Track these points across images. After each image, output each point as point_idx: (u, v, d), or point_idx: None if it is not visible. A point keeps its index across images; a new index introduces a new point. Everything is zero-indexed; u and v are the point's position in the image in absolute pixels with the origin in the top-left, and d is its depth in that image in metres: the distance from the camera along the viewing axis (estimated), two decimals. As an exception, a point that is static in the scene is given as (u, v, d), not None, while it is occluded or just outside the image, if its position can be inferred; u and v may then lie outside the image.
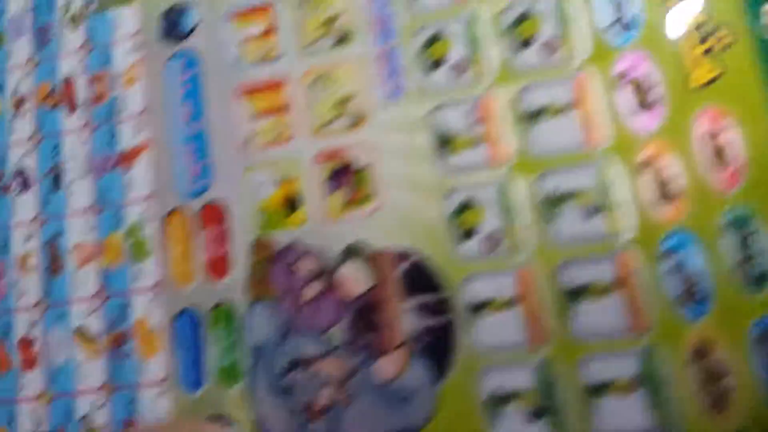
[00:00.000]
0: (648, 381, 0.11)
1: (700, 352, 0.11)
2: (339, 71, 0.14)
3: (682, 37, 0.12)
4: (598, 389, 0.11)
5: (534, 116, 0.12)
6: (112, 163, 0.15)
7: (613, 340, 0.11)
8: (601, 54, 0.12)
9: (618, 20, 0.12)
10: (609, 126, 0.12)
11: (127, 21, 0.15)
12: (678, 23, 0.12)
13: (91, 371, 0.14)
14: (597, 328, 0.11)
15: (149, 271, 0.14)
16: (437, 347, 0.12)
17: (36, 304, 0.15)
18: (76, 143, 0.15)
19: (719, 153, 0.11)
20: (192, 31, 0.15)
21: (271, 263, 0.13)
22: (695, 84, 0.12)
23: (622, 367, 0.11)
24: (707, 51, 0.12)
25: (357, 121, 0.13)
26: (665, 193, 0.12)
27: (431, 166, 0.13)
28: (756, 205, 0.11)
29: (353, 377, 0.12)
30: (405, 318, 0.12)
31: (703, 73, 0.12)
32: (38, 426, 0.14)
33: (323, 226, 0.13)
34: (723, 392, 0.11)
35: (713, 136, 0.12)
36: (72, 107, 0.15)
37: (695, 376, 0.11)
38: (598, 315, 0.11)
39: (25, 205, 0.15)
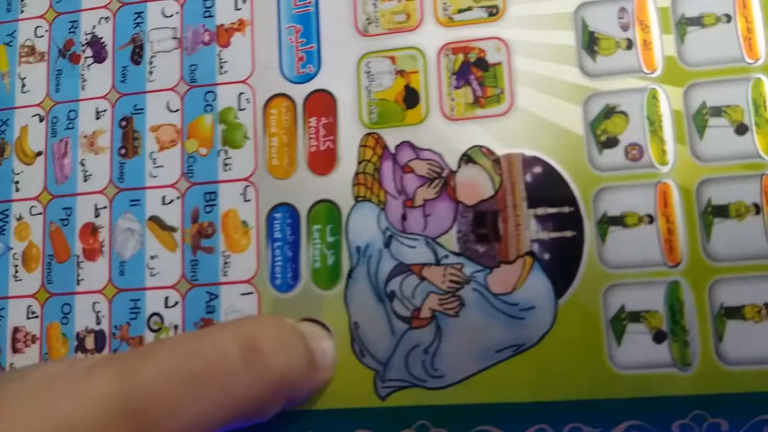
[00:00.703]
0: None
1: None
2: None
3: None
4: (730, 313, 0.18)
5: (691, 23, 0.19)
6: (206, 38, 0.21)
7: (751, 263, 0.18)
8: None
9: None
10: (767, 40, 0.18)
11: None
12: None
13: (165, 265, 0.21)
14: (736, 251, 0.18)
15: (244, 160, 0.21)
16: (562, 261, 0.19)
17: (104, 188, 0.22)
18: (162, 13, 0.22)
19: None
20: None
21: (382, 161, 0.20)
22: None
23: (758, 291, 0.18)
24: None
25: (494, 13, 0.20)
26: None
27: (574, 68, 0.19)
28: None
29: (465, 286, 0.19)
30: (528, 228, 0.19)
31: None
32: (97, 323, 0.21)
33: (445, 125, 0.20)
34: None
35: None
36: None
37: None
38: (738, 237, 0.18)
39: (98, 79, 0.22)
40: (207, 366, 0.17)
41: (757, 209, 0.19)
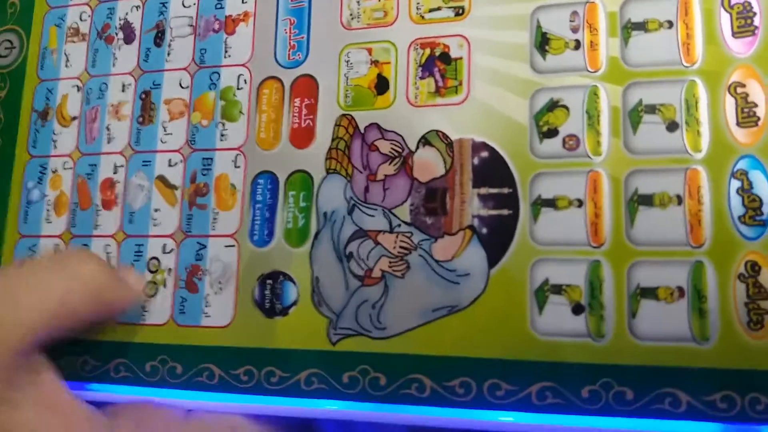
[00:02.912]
0: (693, 292, 0.19)
1: (750, 272, 0.19)
2: None
3: None
4: (645, 293, 0.19)
5: (636, 27, 0.21)
6: (216, 27, 0.25)
7: (668, 249, 0.19)
8: None
9: None
10: (704, 46, 0.20)
11: None
12: None
13: (166, 218, 0.25)
14: (655, 237, 0.20)
15: (237, 132, 0.25)
16: (497, 235, 0.21)
17: (123, 150, 0.26)
18: (183, 4, 0.26)
19: None
20: None
21: (352, 140, 0.23)
22: None
23: (670, 276, 0.19)
24: None
25: (459, 13, 0.22)
26: (746, 117, 0.19)
27: (525, 65, 0.22)
28: None
29: (412, 252, 0.21)
30: (471, 205, 0.21)
31: None
32: (108, 262, 0.25)
33: (408, 110, 0.23)
34: (764, 312, 0.19)
35: None
36: None
37: (740, 293, 0.19)
38: (658, 224, 0.20)
39: (126, 57, 0.27)
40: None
41: (679, 200, 0.21)
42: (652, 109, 0.22)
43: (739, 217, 0.21)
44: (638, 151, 0.21)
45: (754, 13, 0.21)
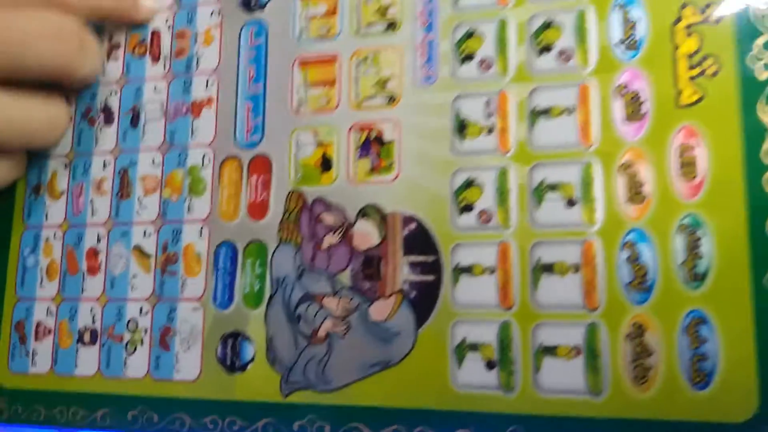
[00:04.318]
0: (588, 350, 0.22)
1: (636, 332, 0.22)
2: (383, 54, 0.26)
3: (675, 62, 0.22)
4: (547, 351, 0.22)
5: (540, 114, 0.24)
6: (183, 110, 0.29)
7: (567, 312, 0.22)
8: (607, 66, 0.23)
9: (626, 39, 0.23)
10: (601, 130, 0.23)
11: (212, -11, 0.29)
12: (673, 50, 0.23)
13: (142, 283, 0.28)
14: (556, 301, 0.23)
15: (202, 205, 0.28)
16: (423, 298, 0.24)
17: (105, 222, 0.29)
18: (155, 89, 0.29)
19: (688, 166, 0.22)
20: (266, 3, 0.28)
21: (301, 212, 0.26)
22: (679, 103, 0.22)
23: (569, 336, 0.22)
24: (694, 77, 0.22)
25: (392, 100, 0.26)
26: (635, 194, 0.22)
27: (446, 146, 0.25)
28: (708, 216, 0.22)
29: (352, 314, 0.24)
30: (402, 271, 0.24)
31: (687, 95, 0.22)
32: (93, 322, 0.29)
33: (348, 186, 0.26)
34: (648, 368, 0.21)
35: (686, 150, 0.22)
36: (156, 58, 0.30)
37: (628, 351, 0.22)
38: (558, 290, 0.23)
39: (106, 137, 0.30)
40: None
41: (576, 268, 0.24)
42: (553, 187, 0.25)
43: (628, 284, 0.24)
44: (541, 224, 0.25)
45: (643, 101, 0.24)
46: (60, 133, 0.31)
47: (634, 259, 0.24)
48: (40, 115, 0.30)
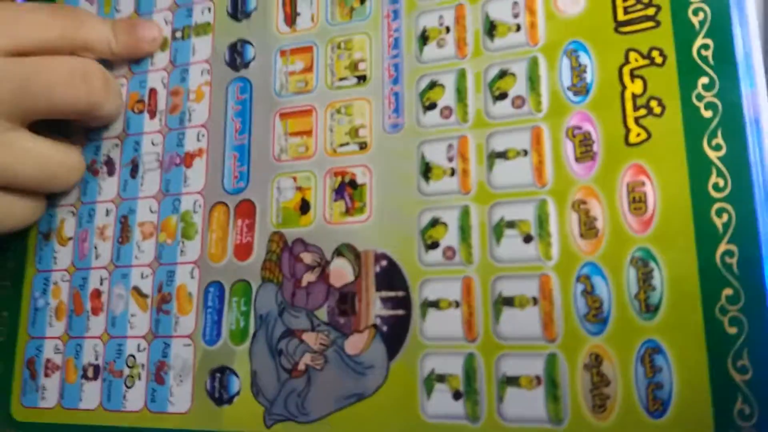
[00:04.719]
0: (548, 380, 0.23)
1: (594, 362, 0.22)
2: (355, 105, 0.28)
3: (623, 103, 0.24)
4: (510, 381, 0.23)
5: (498, 156, 0.25)
6: (177, 161, 0.31)
7: (527, 343, 0.23)
8: (558, 110, 0.25)
9: (575, 84, 0.25)
10: (554, 170, 0.24)
11: (202, 48, 0.32)
12: (621, 92, 0.24)
13: (140, 322, 0.30)
14: (517, 333, 0.24)
15: (193, 248, 0.30)
16: (395, 333, 0.25)
17: (107, 265, 0.31)
18: (152, 143, 0.32)
19: (638, 202, 0.23)
20: (250, 62, 0.30)
21: (282, 253, 0.28)
22: (628, 142, 0.23)
23: (530, 366, 0.23)
24: (641, 117, 0.23)
25: (363, 147, 0.27)
26: (588, 230, 0.23)
27: (413, 189, 0.26)
28: (659, 249, 0.22)
29: (329, 348, 0.26)
30: (375, 306, 0.26)
31: (635, 134, 0.24)
32: (96, 359, 0.31)
33: (325, 227, 0.27)
34: (605, 397, 0.22)
35: (635, 186, 0.23)
36: (153, 113, 0.32)
37: (587, 380, 0.22)
38: (519, 322, 0.24)
39: (108, 187, 0.33)
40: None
41: (535, 301, 0.25)
42: (511, 224, 0.26)
43: (584, 315, 0.25)
44: (501, 259, 0.26)
45: (593, 142, 0.26)
46: (79, 177, 0.34)
47: (589, 292, 0.25)
48: (64, 160, 0.33)
